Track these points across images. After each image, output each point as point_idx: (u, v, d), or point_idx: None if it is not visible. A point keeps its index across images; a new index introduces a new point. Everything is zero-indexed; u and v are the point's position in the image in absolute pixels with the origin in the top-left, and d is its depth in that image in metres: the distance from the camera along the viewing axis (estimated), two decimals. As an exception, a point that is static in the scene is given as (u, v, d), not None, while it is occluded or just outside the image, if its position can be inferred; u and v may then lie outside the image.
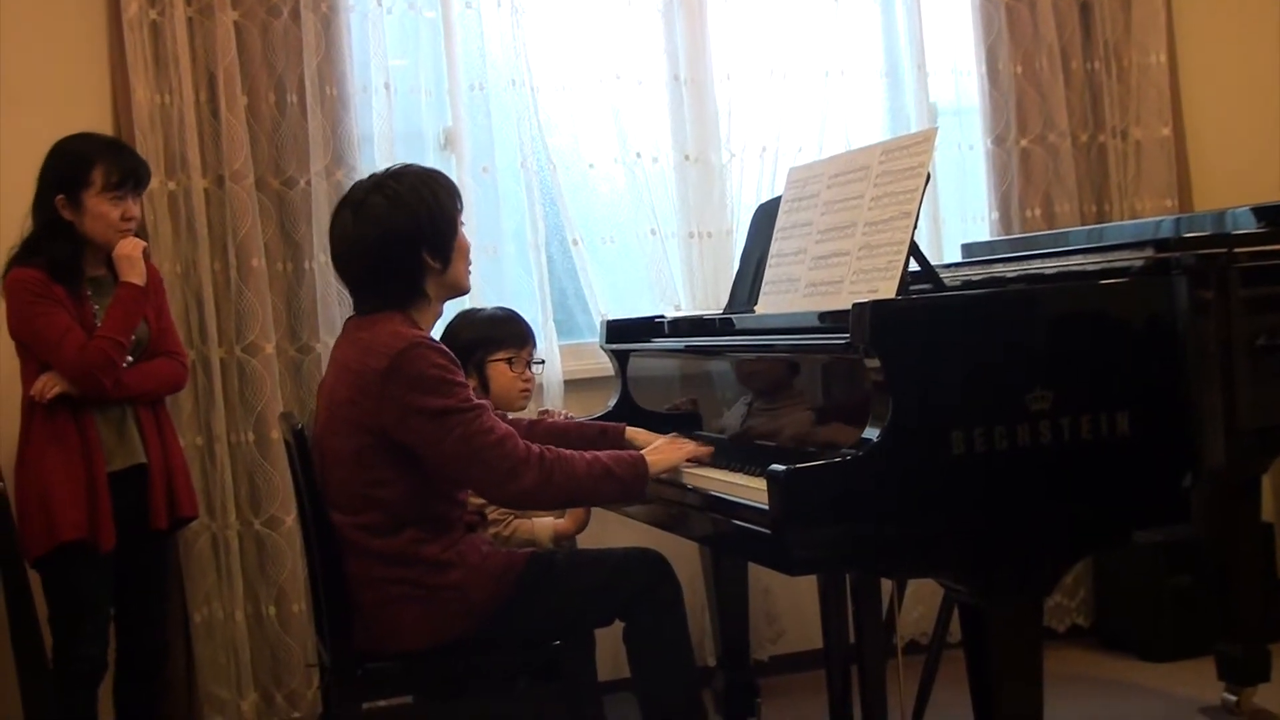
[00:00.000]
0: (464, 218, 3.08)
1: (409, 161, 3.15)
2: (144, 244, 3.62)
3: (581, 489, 2.93)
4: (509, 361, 3.67)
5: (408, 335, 2.87)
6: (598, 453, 2.97)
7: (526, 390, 3.72)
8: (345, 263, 3.02)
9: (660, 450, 3.05)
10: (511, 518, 3.53)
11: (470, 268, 3.12)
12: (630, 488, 2.96)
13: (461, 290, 3.13)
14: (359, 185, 3.06)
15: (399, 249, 2.95)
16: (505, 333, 3.70)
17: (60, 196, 3.50)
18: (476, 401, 2.88)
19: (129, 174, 3.55)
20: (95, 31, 4.11)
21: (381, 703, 3.02)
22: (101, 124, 4.01)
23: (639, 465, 2.96)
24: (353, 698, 2.94)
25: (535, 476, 2.84)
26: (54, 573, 3.50)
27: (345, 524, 2.92)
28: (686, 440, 3.11)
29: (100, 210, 3.51)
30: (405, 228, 2.94)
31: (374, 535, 2.91)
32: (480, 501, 3.37)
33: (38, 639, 3.40)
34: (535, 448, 2.88)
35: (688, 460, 3.04)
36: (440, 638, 2.92)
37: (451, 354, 2.91)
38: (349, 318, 3.08)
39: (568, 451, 2.92)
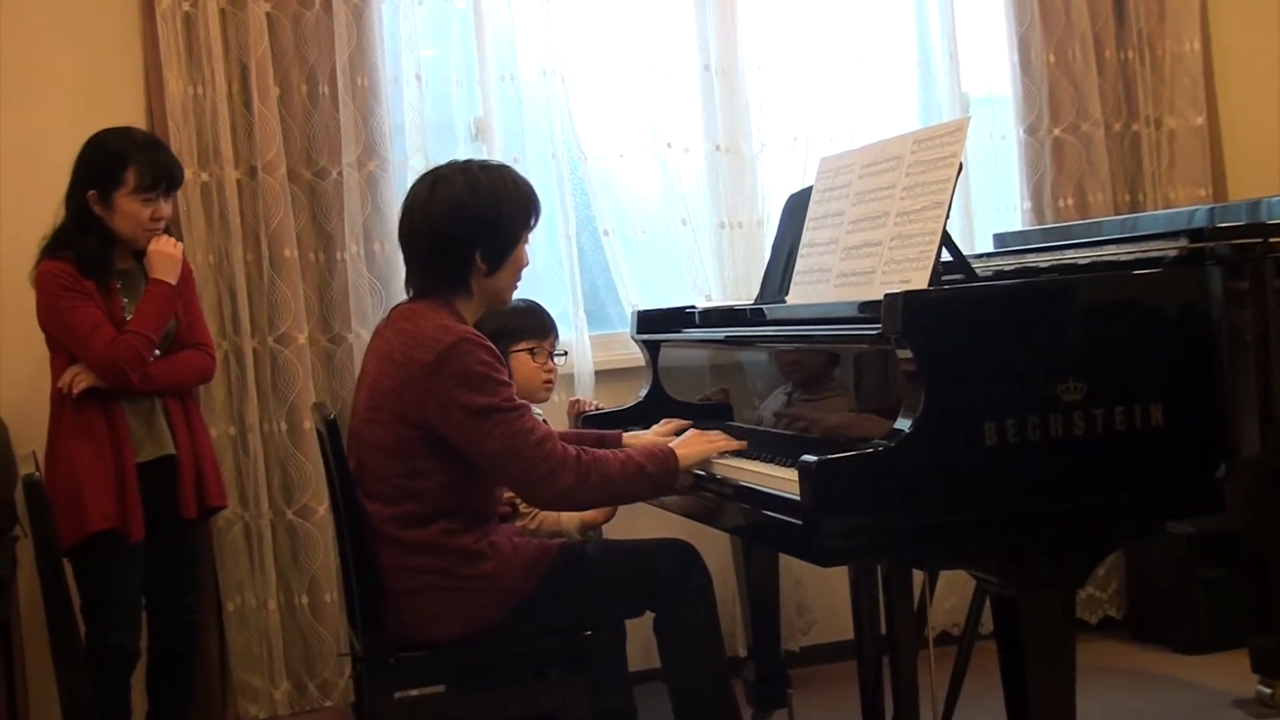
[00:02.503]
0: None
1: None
2: (181, 244, 3.64)
3: (616, 489, 2.93)
4: (531, 352, 3.67)
5: (456, 330, 2.88)
6: (629, 449, 2.98)
7: (549, 381, 3.73)
8: (409, 231, 3.03)
9: (689, 443, 3.02)
10: (538, 510, 3.54)
11: (519, 284, 3.12)
12: (661, 483, 2.95)
13: (501, 303, 3.14)
14: (450, 163, 3.08)
15: (457, 234, 2.95)
16: (527, 323, 3.70)
17: (92, 192, 3.51)
18: (519, 401, 2.89)
19: (162, 176, 3.56)
20: (128, 23, 4.14)
21: (413, 692, 3.02)
22: (134, 116, 4.04)
23: (669, 460, 2.94)
24: (385, 687, 2.95)
25: (572, 478, 2.84)
26: (85, 563, 3.53)
27: (379, 514, 2.93)
28: (715, 433, 3.09)
29: (130, 210, 3.53)
30: (469, 218, 2.95)
31: (408, 525, 2.91)
32: (512, 494, 3.37)
33: (73, 627, 3.42)
34: (572, 449, 2.87)
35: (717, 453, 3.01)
36: (472, 627, 2.93)
37: (497, 352, 2.92)
38: (395, 305, 3.10)
39: (600, 451, 2.93)
